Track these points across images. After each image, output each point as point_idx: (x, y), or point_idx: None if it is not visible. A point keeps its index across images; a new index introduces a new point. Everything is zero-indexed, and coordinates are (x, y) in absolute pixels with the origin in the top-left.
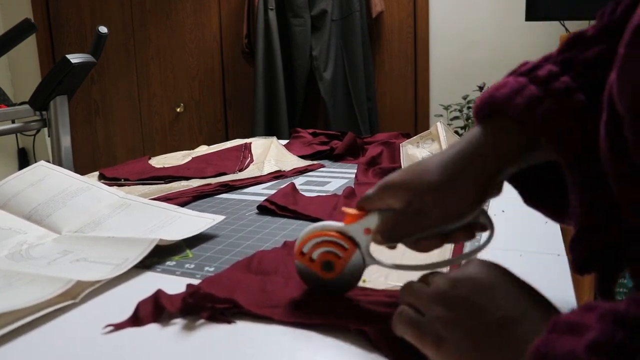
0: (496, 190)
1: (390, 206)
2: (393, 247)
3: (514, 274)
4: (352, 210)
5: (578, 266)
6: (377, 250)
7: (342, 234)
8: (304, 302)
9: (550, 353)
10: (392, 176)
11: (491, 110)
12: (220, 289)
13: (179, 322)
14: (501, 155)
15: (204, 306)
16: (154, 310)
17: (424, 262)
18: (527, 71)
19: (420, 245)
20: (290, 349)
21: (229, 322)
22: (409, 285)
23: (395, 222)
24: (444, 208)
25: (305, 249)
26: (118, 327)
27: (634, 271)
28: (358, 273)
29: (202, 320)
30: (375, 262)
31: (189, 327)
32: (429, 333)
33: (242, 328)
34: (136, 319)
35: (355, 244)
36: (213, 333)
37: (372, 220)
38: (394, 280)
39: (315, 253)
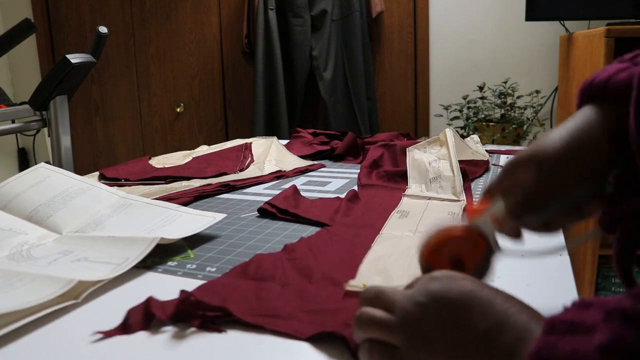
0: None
1: (522, 181)
2: (519, 236)
3: (476, 280)
4: (475, 204)
5: (604, 223)
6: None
7: (469, 231)
8: (297, 311)
9: (553, 355)
10: (517, 155)
11: (593, 91)
12: (213, 296)
13: (169, 330)
14: (609, 130)
15: (195, 314)
16: (144, 317)
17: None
18: (629, 59)
19: (553, 224)
20: (282, 358)
21: (219, 330)
22: (368, 315)
23: (528, 194)
24: (573, 171)
25: (432, 254)
26: (107, 334)
27: None
28: (489, 265)
29: (192, 329)
30: (504, 250)
31: (179, 336)
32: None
33: (233, 337)
34: (126, 326)
35: (483, 238)
36: (203, 342)
37: (499, 206)
38: (398, 281)
39: (443, 255)
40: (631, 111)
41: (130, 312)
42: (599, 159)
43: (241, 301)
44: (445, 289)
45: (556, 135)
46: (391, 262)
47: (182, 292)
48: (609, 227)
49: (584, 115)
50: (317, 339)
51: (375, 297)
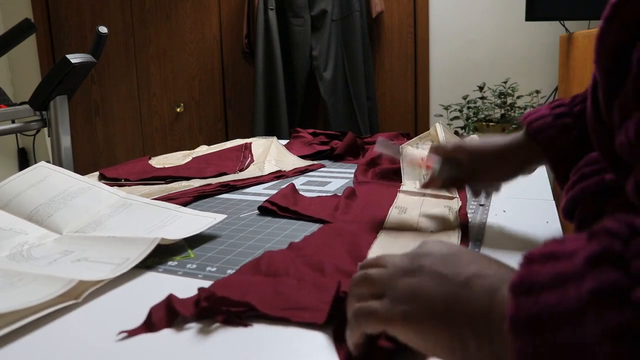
0: (527, 173)
1: (458, 159)
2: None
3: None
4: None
5: (565, 211)
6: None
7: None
8: (318, 303)
9: (537, 281)
10: (464, 142)
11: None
12: (233, 292)
13: (193, 326)
14: (531, 156)
15: (219, 309)
16: (167, 315)
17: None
18: (554, 106)
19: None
20: (309, 351)
21: (245, 325)
22: (362, 276)
23: (457, 171)
24: (491, 174)
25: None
26: (132, 333)
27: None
28: None
29: (216, 324)
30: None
31: (204, 332)
32: (396, 313)
33: (259, 331)
34: (150, 325)
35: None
36: (229, 336)
37: (436, 167)
38: None
39: None
40: (588, 100)
41: (153, 310)
42: (513, 170)
43: (261, 296)
44: (433, 246)
45: (493, 144)
46: (398, 251)
47: (201, 289)
48: (568, 214)
49: (518, 139)
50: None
51: (366, 262)
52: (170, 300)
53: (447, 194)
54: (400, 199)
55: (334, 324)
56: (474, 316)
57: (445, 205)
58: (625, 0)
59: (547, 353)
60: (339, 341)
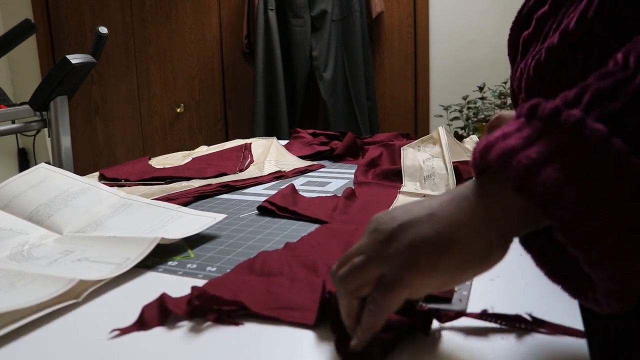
0: None
1: None
2: None
3: None
4: None
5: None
6: None
7: None
8: (310, 303)
9: (496, 144)
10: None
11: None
12: (225, 291)
13: (185, 324)
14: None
15: (211, 308)
16: (160, 313)
17: None
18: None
19: None
20: (299, 350)
21: (236, 324)
22: (343, 271)
23: None
24: None
25: None
26: (124, 331)
27: None
28: None
29: (208, 323)
30: None
31: (196, 330)
32: (402, 271)
33: (250, 330)
34: (142, 323)
35: None
36: (221, 335)
37: None
38: None
39: None
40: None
41: (145, 309)
42: None
43: (253, 295)
44: (382, 215)
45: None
46: None
47: (194, 288)
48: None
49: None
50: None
51: (341, 261)
52: (162, 299)
53: None
54: (400, 199)
55: (329, 322)
56: (461, 221)
57: None
58: None
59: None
60: (339, 340)
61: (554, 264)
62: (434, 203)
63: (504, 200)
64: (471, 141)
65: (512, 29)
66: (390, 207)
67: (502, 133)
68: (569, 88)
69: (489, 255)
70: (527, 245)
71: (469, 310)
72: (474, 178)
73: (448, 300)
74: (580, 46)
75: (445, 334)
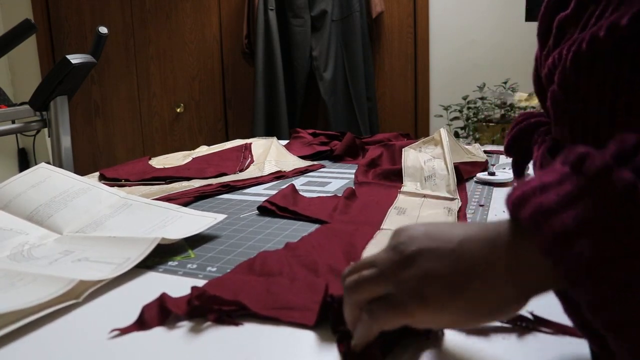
0: None
1: None
2: None
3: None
4: None
5: (507, 148)
6: None
7: None
8: (309, 303)
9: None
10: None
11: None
12: (225, 291)
13: (185, 324)
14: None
15: (211, 308)
16: (160, 313)
17: None
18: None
19: None
20: (299, 350)
21: (236, 324)
22: (353, 279)
23: None
24: None
25: None
26: (124, 331)
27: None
28: None
29: (208, 323)
30: None
31: (195, 330)
32: (409, 299)
33: (249, 330)
34: (142, 323)
35: None
36: (220, 335)
37: None
38: None
39: None
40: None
41: (145, 309)
42: None
43: (253, 295)
44: (410, 229)
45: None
46: None
47: (194, 288)
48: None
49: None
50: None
51: (354, 267)
52: (162, 299)
53: (447, 195)
54: (400, 199)
55: (330, 323)
56: (484, 267)
57: (445, 207)
58: None
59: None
60: (340, 339)
61: (584, 318)
62: (460, 234)
63: (532, 258)
64: (473, 148)
65: (545, 6)
66: (414, 221)
67: (540, 183)
68: (612, 88)
69: (502, 309)
70: (557, 291)
71: None
72: (509, 217)
73: None
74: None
75: (446, 334)
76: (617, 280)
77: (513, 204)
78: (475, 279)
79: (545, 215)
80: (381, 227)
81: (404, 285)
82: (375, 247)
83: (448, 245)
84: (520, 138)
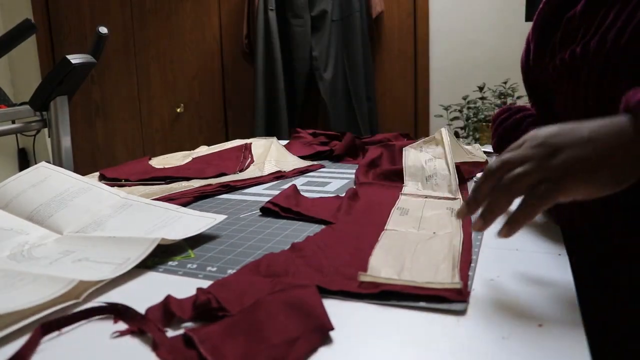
0: None
1: None
2: None
3: None
4: None
5: (495, 147)
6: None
7: None
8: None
9: None
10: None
11: None
12: (231, 292)
13: (189, 326)
14: None
15: (216, 315)
16: (164, 316)
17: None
18: None
19: None
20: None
21: None
22: (516, 176)
23: None
24: None
25: None
26: (125, 333)
27: None
28: None
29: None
30: None
31: None
32: (565, 178)
33: None
34: (145, 325)
35: None
36: None
37: None
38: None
39: None
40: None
41: (149, 311)
42: None
43: (259, 296)
44: (542, 131)
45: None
46: (400, 255)
47: (199, 290)
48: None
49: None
50: (336, 332)
51: (502, 164)
52: (167, 302)
53: (449, 194)
54: (402, 200)
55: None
56: (617, 140)
57: (448, 207)
58: None
59: None
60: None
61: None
62: (591, 129)
63: None
64: (473, 148)
65: (546, 3)
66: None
67: None
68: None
69: (628, 179)
70: None
71: (469, 313)
72: (627, 113)
73: (451, 301)
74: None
75: (446, 334)
76: None
77: (632, 104)
78: (610, 156)
79: None
80: (385, 227)
81: (556, 170)
82: (382, 250)
83: (585, 136)
84: (508, 136)
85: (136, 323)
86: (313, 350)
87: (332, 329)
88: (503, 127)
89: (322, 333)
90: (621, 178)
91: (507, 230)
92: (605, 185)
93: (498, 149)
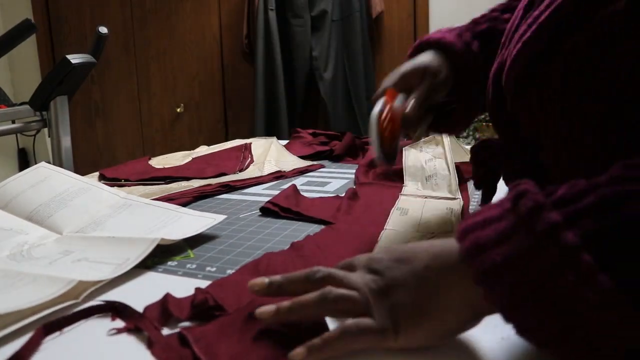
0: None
1: (413, 85)
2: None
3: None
4: (389, 89)
5: (476, 182)
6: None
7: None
8: None
9: (481, 243)
10: (405, 65)
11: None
12: (230, 292)
13: (186, 325)
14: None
15: (213, 315)
16: (162, 314)
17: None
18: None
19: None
20: None
21: None
22: (338, 297)
23: (427, 86)
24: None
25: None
26: (122, 330)
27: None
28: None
29: None
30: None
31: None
32: (386, 326)
33: None
34: (142, 323)
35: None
36: None
37: (400, 100)
38: None
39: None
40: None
41: (147, 310)
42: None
43: (255, 297)
44: (384, 258)
45: (427, 58)
46: None
47: (197, 289)
48: (478, 185)
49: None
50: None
51: (333, 275)
52: (165, 301)
53: (448, 194)
54: (402, 200)
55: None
56: (444, 297)
57: (448, 207)
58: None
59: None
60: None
61: None
62: (421, 266)
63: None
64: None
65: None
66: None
67: (483, 218)
68: None
69: (460, 328)
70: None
71: None
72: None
73: None
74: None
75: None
76: (533, 316)
77: (459, 233)
78: (437, 307)
79: (479, 250)
80: (385, 227)
81: (380, 314)
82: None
83: (413, 276)
84: (489, 176)
85: (133, 321)
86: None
87: (326, 328)
88: (483, 170)
89: (316, 332)
90: (448, 329)
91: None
92: (431, 336)
93: (478, 187)
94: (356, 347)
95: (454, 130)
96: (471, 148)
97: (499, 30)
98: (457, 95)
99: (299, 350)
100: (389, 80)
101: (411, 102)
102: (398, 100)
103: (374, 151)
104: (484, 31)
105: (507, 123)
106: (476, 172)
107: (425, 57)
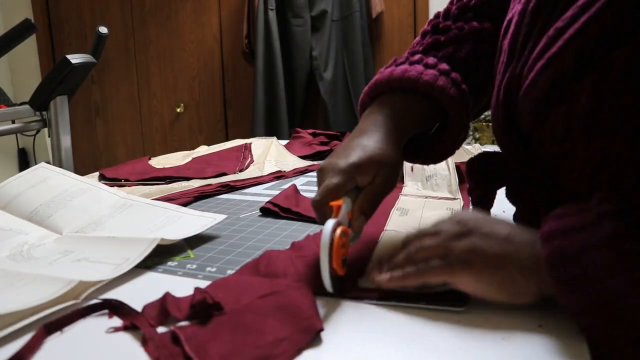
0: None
1: (361, 183)
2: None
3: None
4: (334, 203)
5: (474, 202)
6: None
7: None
8: (313, 304)
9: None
10: (343, 160)
11: (399, 88)
12: (229, 292)
13: (185, 324)
14: (417, 121)
15: (212, 314)
16: (160, 313)
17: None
18: (417, 61)
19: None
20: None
21: None
22: (419, 249)
23: (373, 193)
24: (397, 170)
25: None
26: (119, 329)
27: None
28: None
29: None
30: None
31: None
32: (458, 263)
33: None
34: (140, 322)
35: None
36: None
37: (348, 204)
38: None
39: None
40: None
41: (146, 308)
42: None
43: (256, 297)
44: (469, 213)
45: (378, 138)
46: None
47: (197, 289)
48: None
49: (390, 115)
50: (333, 332)
51: (420, 233)
52: (164, 300)
53: (448, 194)
54: (402, 200)
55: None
56: (520, 261)
57: (448, 207)
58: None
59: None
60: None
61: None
62: (509, 228)
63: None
64: (474, 148)
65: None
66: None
67: (564, 226)
68: None
69: (521, 295)
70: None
71: (469, 313)
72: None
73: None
74: None
75: (445, 334)
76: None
77: (542, 237)
78: (512, 264)
79: (564, 260)
80: (385, 228)
81: (461, 251)
82: (381, 250)
83: (500, 233)
84: (485, 196)
85: (130, 318)
86: (298, 350)
87: (321, 329)
88: (481, 189)
89: (309, 333)
90: (510, 292)
91: (385, 282)
92: (490, 289)
93: (476, 204)
94: (431, 280)
95: (441, 160)
96: (466, 163)
97: (466, 47)
98: (444, 135)
99: (384, 276)
100: (333, 183)
101: (358, 221)
102: (343, 209)
103: (323, 278)
104: (454, 53)
105: (519, 146)
106: (471, 191)
107: (377, 137)
